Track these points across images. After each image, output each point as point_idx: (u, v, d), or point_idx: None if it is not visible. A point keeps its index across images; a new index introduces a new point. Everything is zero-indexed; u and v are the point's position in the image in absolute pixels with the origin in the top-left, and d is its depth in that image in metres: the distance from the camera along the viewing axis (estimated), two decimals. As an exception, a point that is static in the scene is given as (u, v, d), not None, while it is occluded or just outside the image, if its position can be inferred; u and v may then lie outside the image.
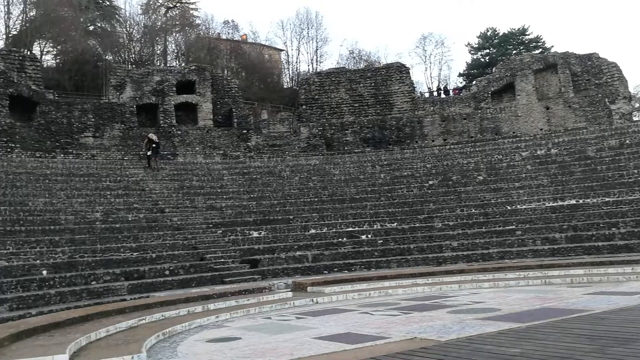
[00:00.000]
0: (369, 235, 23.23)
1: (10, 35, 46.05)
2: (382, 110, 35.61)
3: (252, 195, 26.48)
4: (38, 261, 16.74)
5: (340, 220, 24.12)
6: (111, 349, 9.22)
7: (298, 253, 21.25)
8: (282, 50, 61.98)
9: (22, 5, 47.26)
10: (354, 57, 58.72)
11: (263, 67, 54.29)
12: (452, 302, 13.24)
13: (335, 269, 20.59)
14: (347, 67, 44.00)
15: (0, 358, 7.88)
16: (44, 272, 16.23)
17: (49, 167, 25.85)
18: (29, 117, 28.54)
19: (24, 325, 10.30)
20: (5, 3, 47.61)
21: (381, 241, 22.78)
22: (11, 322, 11.79)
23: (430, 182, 28.41)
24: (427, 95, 46.20)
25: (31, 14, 47.33)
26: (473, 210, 24.66)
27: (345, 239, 22.82)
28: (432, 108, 36.01)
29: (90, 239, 19.15)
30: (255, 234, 22.43)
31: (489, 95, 35.45)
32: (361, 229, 23.64)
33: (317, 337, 9.83)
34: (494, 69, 41.59)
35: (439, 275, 17.99)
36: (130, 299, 15.49)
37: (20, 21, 47.17)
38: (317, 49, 60.26)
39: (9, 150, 26.62)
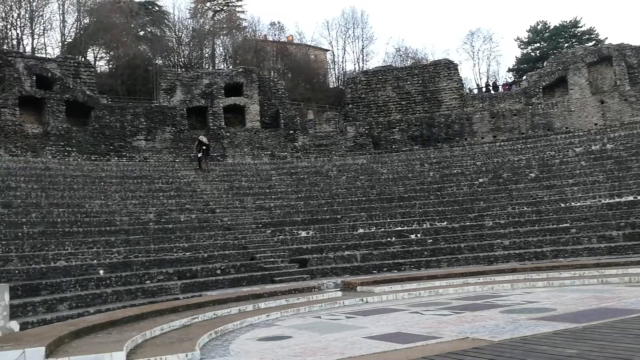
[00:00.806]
0: (419, 235, 23.02)
1: (65, 42, 47.69)
2: (430, 108, 35.23)
3: (299, 195, 26.63)
4: (95, 261, 17.29)
5: (388, 220, 23.99)
6: (166, 346, 9.42)
7: (346, 253, 21.25)
8: (327, 50, 62.07)
9: (77, 14, 48.87)
10: (401, 55, 58.27)
11: (309, 67, 54.45)
12: (504, 301, 12.98)
13: (384, 269, 20.49)
14: (393, 65, 43.69)
15: (62, 355, 8.16)
16: (101, 272, 16.74)
17: (104, 170, 26.64)
18: (84, 122, 29.48)
19: (83, 324, 10.63)
20: (61, 12, 49.31)
21: (431, 240, 22.55)
22: (71, 320, 12.21)
23: (481, 180, 27.94)
24: (475, 91, 45.42)
25: (85, 21, 48.89)
26: (525, 208, 24.12)
27: (394, 238, 22.69)
28: (481, 104, 35.39)
29: (144, 240, 19.64)
30: (303, 234, 22.55)
31: (540, 90, 34.56)
32: (410, 228, 23.45)
33: (367, 337, 9.80)
34: (545, 63, 40.54)
35: (490, 275, 17.68)
36: (183, 297, 15.81)
37: (75, 29, 48.80)
38: (362, 48, 60.08)
39: (66, 154, 27.57)
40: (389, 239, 22.61)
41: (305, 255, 20.82)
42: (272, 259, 20.30)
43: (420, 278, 17.78)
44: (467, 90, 42.26)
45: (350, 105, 35.64)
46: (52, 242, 17.63)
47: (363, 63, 58.07)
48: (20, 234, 17.65)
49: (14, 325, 9.90)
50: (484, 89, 44.32)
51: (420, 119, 34.73)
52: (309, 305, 14.49)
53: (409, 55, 58.15)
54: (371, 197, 26.51)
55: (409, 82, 35.77)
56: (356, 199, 26.36)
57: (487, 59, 78.98)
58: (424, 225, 23.70)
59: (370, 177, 29.40)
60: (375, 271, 20.29)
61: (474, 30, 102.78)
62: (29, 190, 21.90)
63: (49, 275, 15.68)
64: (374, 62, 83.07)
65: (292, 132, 33.39)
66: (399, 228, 23.42)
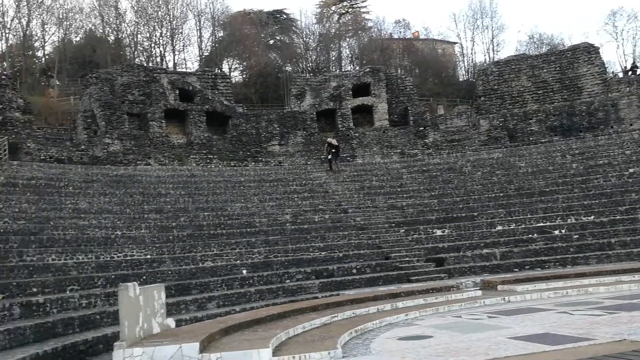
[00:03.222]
0: (563, 230, 21.68)
1: (203, 56, 50.77)
2: (569, 96, 33.10)
3: (432, 193, 26.17)
4: (238, 261, 18.16)
5: (529, 216, 22.83)
6: (308, 344, 9.65)
7: (485, 251, 20.53)
8: (455, 43, 60.56)
9: (212, 28, 51.82)
10: (534, 42, 55.39)
11: (437, 62, 53.50)
12: (667, 302, 11.86)
13: (526, 267, 19.54)
14: (527, 53, 41.60)
15: (214, 351, 8.64)
16: (244, 272, 17.55)
17: (243, 175, 27.95)
18: (223, 130, 31.17)
19: (230, 321, 11.19)
20: (197, 28, 52.56)
21: (577, 236, 21.14)
22: (219, 317, 12.91)
23: (631, 170, 25.73)
24: (620, 75, 41.96)
25: (219, 35, 51.72)
26: (686, 199, 21.87)
27: (535, 234, 21.56)
28: (628, 89, 32.60)
29: (282, 240, 20.31)
30: (438, 232, 22.11)
31: (699, 67, 31.19)
32: (553, 223, 22.15)
33: (512, 337, 9.42)
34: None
35: (648, 272, 16.23)
36: (322, 296, 16.13)
37: (210, 43, 51.80)
38: (492, 38, 57.90)
39: (208, 161, 29.31)
40: (530, 235, 21.52)
41: (442, 254, 20.40)
42: (407, 258, 20.12)
43: (566, 276, 16.74)
44: (611, 74, 39.19)
45: (482, 98, 34.45)
46: (199, 244, 18.77)
47: (494, 53, 55.95)
48: (171, 237, 18.98)
49: (171, 322, 10.66)
50: (629, 72, 40.85)
51: (559, 108, 32.74)
52: (448, 305, 14.18)
53: (544, 41, 55.13)
54: (509, 193, 25.40)
55: (545, 70, 33.88)
56: (493, 194, 25.39)
57: (632, 39, 72.40)
58: (569, 220, 22.29)
59: (507, 171, 28.18)
60: (516, 269, 19.40)
61: (616, 9, 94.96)
62: (177, 196, 23.52)
63: (198, 275, 16.71)
64: (505, 52, 79.62)
65: (422, 128, 32.92)
66: (541, 224, 22.20)
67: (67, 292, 13.45)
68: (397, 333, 11.09)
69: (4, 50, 47.28)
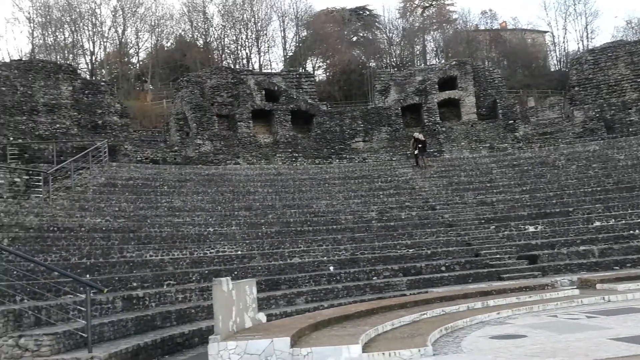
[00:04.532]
0: (668, 226, 20.32)
1: (287, 57, 51.60)
2: (673, 82, 30.96)
3: (524, 188, 25.25)
4: (325, 258, 18.31)
5: (630, 211, 21.54)
6: (397, 341, 9.59)
7: (581, 248, 19.58)
8: (546, 32, 58.15)
9: (295, 28, 52.57)
10: (632, 28, 52.21)
11: (526, 52, 51.65)
12: None
13: (627, 265, 18.45)
14: (624, 40, 39.29)
15: (304, 345, 8.77)
16: (331, 268, 17.68)
17: (327, 172, 28.16)
18: (307, 129, 31.56)
19: (319, 317, 11.31)
20: (281, 29, 53.49)
21: (684, 232, 19.76)
22: (308, 313, 13.07)
23: None
24: None
25: (303, 34, 52.35)
26: None
27: (638, 231, 20.31)
28: None
29: (368, 237, 20.27)
30: (531, 229, 21.31)
31: None
32: (657, 219, 20.81)
33: (613, 338, 8.96)
34: None
35: None
36: (410, 294, 15.97)
37: (294, 43, 52.55)
38: (586, 25, 55.45)
39: (293, 159, 29.77)
40: (631, 231, 20.30)
41: (535, 251, 19.64)
42: (497, 256, 19.53)
43: (674, 275, 15.69)
44: None
45: (576, 88, 32.85)
46: (287, 240, 19.10)
47: (588, 41, 53.31)
48: (260, 234, 19.44)
49: (262, 316, 10.91)
50: None
51: (662, 95, 30.70)
52: (543, 304, 13.65)
53: (643, 26, 51.82)
54: (607, 187, 24.08)
55: (645, 56, 31.85)
56: (589, 189, 24.16)
57: None
58: (675, 215, 20.86)
59: (605, 164, 26.72)
60: (616, 267, 18.36)
61: None
62: (265, 194, 24.04)
63: (286, 271, 17.00)
64: (600, 39, 75.63)
65: (512, 121, 31.85)
66: (644, 219, 20.90)
67: (165, 287, 14.07)
68: (488, 332, 10.81)
69: (102, 58, 50.14)
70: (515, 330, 10.72)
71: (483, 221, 22.17)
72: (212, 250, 17.44)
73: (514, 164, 28.56)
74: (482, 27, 57.40)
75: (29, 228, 15.18)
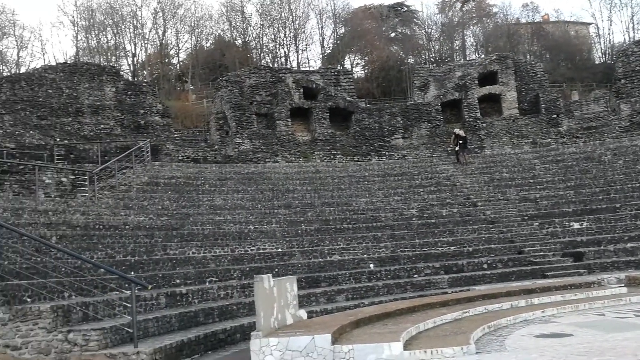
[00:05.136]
0: None
1: (325, 54, 51.63)
2: None
3: (568, 184, 24.67)
4: (365, 255, 18.27)
5: (680, 206, 20.85)
6: (439, 339, 9.49)
7: (630, 245, 19.01)
8: (590, 23, 56.69)
9: (333, 26, 52.56)
10: (682, 17, 50.42)
11: (569, 45, 50.44)
12: None
13: (679, 262, 17.86)
14: (673, 29, 37.99)
15: (345, 342, 8.76)
16: (371, 266, 17.61)
17: (366, 170, 28.07)
18: (346, 126, 31.51)
19: (360, 314, 11.28)
20: (319, 26, 53.54)
21: None
22: (349, 310, 13.07)
23: None
24: None
25: (341, 31, 52.30)
26: None
27: (689, 227, 19.65)
28: None
29: (409, 234, 20.14)
30: (576, 225, 20.80)
31: None
32: None
33: (665, 338, 8.65)
34: None
35: None
36: (451, 292, 15.80)
37: (332, 40, 52.55)
38: (632, 16, 53.82)
39: (331, 157, 29.77)
40: (682, 228, 19.66)
41: (580, 248, 19.17)
42: (541, 253, 19.15)
43: None
44: None
45: (622, 81, 31.88)
46: (327, 238, 19.12)
47: (634, 32, 51.65)
48: (299, 232, 19.51)
49: (303, 313, 10.95)
50: None
51: None
52: (589, 302, 13.29)
53: (694, 15, 50.00)
54: (656, 182, 23.34)
55: (696, 46, 30.71)
56: (637, 184, 23.43)
57: None
58: None
59: (654, 159, 25.88)
60: (667, 265, 17.79)
61: None
62: (304, 192, 24.11)
63: (326, 268, 17.03)
64: (647, 29, 72.94)
65: (555, 116, 31.14)
66: (696, 215, 20.18)
67: (207, 284, 14.26)
68: (533, 330, 10.60)
69: (143, 60, 51.13)
70: (561, 329, 10.48)
71: (526, 218, 21.76)
72: (253, 248, 17.59)
73: (558, 159, 27.92)
74: (523, 21, 56.32)
75: (75, 226, 15.59)
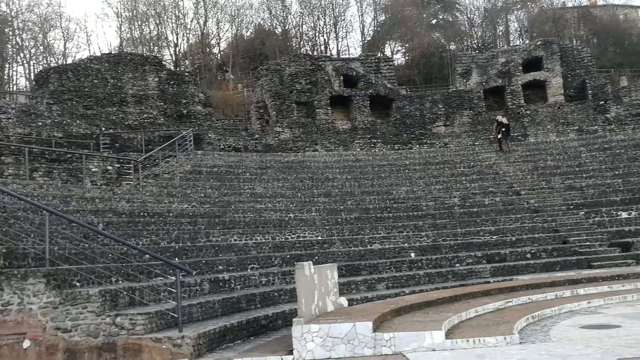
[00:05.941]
0: None
1: (365, 42, 51.29)
2: None
3: (616, 172, 23.98)
4: (406, 244, 18.17)
5: None
6: (482, 328, 9.40)
7: (681, 235, 18.42)
8: (639, 6, 54.68)
9: (373, 13, 52.13)
10: None
11: (618, 29, 48.78)
12: None
13: None
14: None
15: (386, 330, 8.76)
16: (412, 255, 17.52)
17: (407, 158, 27.85)
18: (386, 114, 31.29)
19: (401, 303, 11.26)
20: (360, 14, 53.19)
21: None
22: (389, 299, 13.04)
23: None
24: None
25: (381, 19, 51.84)
26: None
27: None
28: None
29: (450, 223, 19.94)
30: (624, 215, 20.23)
31: None
32: None
33: None
34: None
35: None
36: (494, 281, 15.59)
37: (372, 27, 52.14)
38: (686, -3, 51.36)
39: (372, 145, 29.62)
40: None
41: (628, 238, 18.64)
42: (587, 243, 18.71)
43: None
44: None
45: (674, 65, 30.76)
46: (367, 226, 19.08)
47: (687, 14, 49.64)
48: (339, 220, 19.52)
49: (343, 301, 10.99)
50: None
51: None
52: (638, 293, 12.95)
53: None
54: None
55: None
56: (689, 172, 22.65)
57: None
58: None
59: None
60: None
61: None
62: (344, 181, 24.10)
63: (366, 257, 17.01)
64: (701, 12, 69.88)
65: (603, 102, 30.24)
66: None
67: (249, 270, 14.44)
68: (578, 321, 10.39)
69: (185, 50, 51.76)
70: (608, 320, 10.25)
71: (571, 207, 21.27)
72: (293, 236, 17.72)
73: (605, 147, 27.16)
74: (569, 4, 54.77)
75: (121, 213, 15.96)
